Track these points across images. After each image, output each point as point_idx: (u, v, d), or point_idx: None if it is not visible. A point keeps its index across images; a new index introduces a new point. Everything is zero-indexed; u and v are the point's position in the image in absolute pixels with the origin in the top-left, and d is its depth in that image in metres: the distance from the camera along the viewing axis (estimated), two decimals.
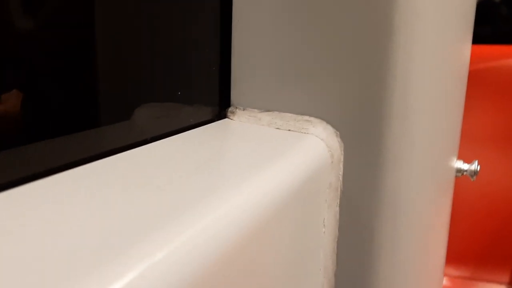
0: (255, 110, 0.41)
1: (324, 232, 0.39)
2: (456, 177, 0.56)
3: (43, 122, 0.29)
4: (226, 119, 0.42)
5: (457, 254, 1.13)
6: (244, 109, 0.42)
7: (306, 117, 0.40)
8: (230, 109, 0.42)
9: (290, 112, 0.41)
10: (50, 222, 0.21)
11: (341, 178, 0.40)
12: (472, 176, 0.55)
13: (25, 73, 0.28)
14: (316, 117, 0.40)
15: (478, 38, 1.20)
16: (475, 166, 0.55)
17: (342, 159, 0.40)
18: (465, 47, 0.57)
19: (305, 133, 0.39)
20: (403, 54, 0.37)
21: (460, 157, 0.58)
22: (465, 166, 0.56)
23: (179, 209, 0.24)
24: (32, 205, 0.23)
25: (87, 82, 0.32)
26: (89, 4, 0.31)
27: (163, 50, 0.37)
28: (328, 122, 0.40)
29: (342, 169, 0.40)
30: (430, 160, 0.45)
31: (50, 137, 0.29)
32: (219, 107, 0.41)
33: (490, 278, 1.12)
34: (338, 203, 0.40)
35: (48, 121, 0.30)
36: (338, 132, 0.39)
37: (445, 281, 1.13)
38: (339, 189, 0.40)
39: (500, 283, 1.11)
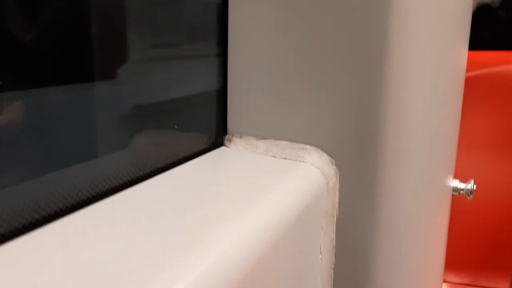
0: (252, 137, 0.42)
1: (321, 259, 0.40)
2: (453, 196, 0.57)
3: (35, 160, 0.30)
4: (223, 147, 0.42)
5: (457, 260, 1.13)
6: (240, 137, 0.42)
7: (302, 145, 0.40)
8: (227, 136, 0.43)
9: (286, 140, 0.41)
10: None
11: (336, 206, 0.40)
12: (468, 195, 0.55)
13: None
14: (312, 144, 0.40)
15: (476, 43, 1.20)
16: (471, 185, 0.55)
17: (337, 186, 0.40)
18: (462, 55, 0.57)
19: (300, 161, 0.40)
20: (397, 80, 0.38)
21: (458, 164, 0.58)
22: (461, 185, 0.56)
23: (178, 252, 0.24)
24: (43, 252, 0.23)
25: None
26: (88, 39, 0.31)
27: (160, 79, 0.38)
28: (323, 149, 0.40)
29: (337, 196, 0.40)
30: (426, 182, 0.45)
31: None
32: (216, 135, 0.42)
33: (490, 284, 1.13)
34: (334, 229, 0.41)
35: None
36: (333, 160, 0.40)
37: None
38: (335, 216, 0.41)
39: None
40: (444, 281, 1.13)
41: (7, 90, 0.26)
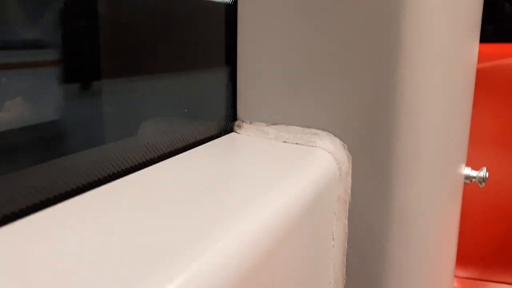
0: (262, 123, 0.41)
1: (333, 245, 0.39)
2: (465, 184, 0.56)
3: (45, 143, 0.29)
4: (233, 133, 0.41)
5: (465, 255, 1.12)
6: (251, 123, 0.41)
7: (313, 130, 0.40)
8: (236, 122, 0.42)
9: (297, 125, 0.40)
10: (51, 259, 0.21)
11: (349, 191, 0.40)
12: (481, 182, 0.55)
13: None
14: (323, 129, 0.40)
15: (482, 36, 1.19)
16: (483, 173, 0.55)
17: (350, 172, 0.40)
18: (473, 48, 0.57)
19: (312, 146, 0.39)
20: (410, 65, 0.37)
21: (467, 158, 0.57)
22: (473, 173, 0.55)
23: (194, 235, 0.24)
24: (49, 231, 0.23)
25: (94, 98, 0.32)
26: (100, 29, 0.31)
27: (171, 65, 0.37)
28: (335, 134, 0.39)
29: (350, 182, 0.40)
30: (439, 169, 0.44)
31: (54, 158, 0.29)
32: (225, 121, 0.41)
33: (499, 279, 1.12)
34: (347, 215, 0.40)
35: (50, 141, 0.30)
36: (345, 145, 0.39)
37: (454, 283, 1.12)
38: (347, 202, 0.40)
39: (509, 283, 1.10)
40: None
41: None
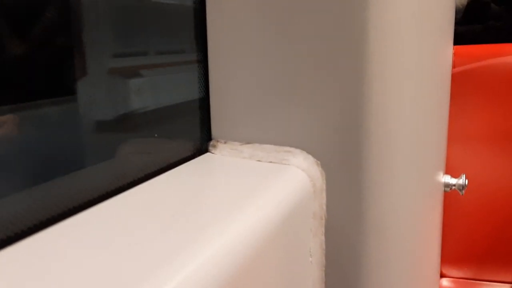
0: (236, 142, 0.42)
1: (311, 262, 0.39)
2: (445, 192, 0.56)
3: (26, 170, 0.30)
4: (208, 153, 0.42)
5: (458, 255, 1.13)
6: (225, 142, 0.42)
7: (287, 148, 0.40)
8: (211, 142, 0.42)
9: (271, 143, 0.41)
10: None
11: (324, 207, 0.40)
12: (460, 190, 0.55)
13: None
14: (297, 147, 0.40)
15: (469, 37, 1.20)
16: (463, 180, 0.55)
17: (324, 188, 0.40)
18: (447, 52, 0.57)
19: (286, 164, 0.40)
20: (379, 79, 0.38)
21: (455, 158, 0.58)
22: (453, 181, 0.56)
23: (162, 257, 0.24)
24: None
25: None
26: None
27: (142, 86, 0.38)
28: (308, 152, 0.40)
29: (325, 198, 0.40)
30: (414, 179, 0.45)
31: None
32: (200, 141, 0.42)
33: (493, 278, 1.12)
34: (323, 231, 0.40)
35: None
36: (319, 162, 0.40)
37: (447, 283, 1.13)
38: (323, 218, 0.40)
39: (504, 283, 1.11)
40: (446, 276, 1.13)
41: None
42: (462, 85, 1.09)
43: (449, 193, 0.60)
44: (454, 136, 0.61)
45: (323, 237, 0.40)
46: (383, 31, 0.37)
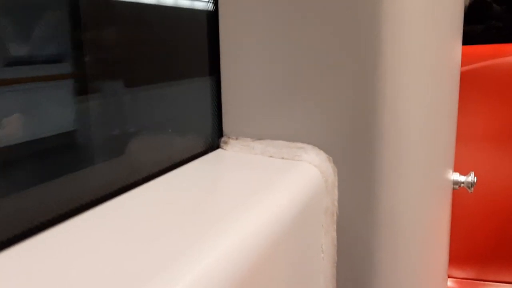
0: (248, 139, 0.41)
1: (323, 258, 0.39)
2: (454, 189, 0.56)
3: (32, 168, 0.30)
4: (219, 149, 0.42)
5: (462, 255, 1.13)
6: (237, 138, 0.42)
7: (299, 144, 0.40)
8: (223, 139, 0.42)
9: (283, 139, 0.41)
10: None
11: (336, 203, 0.40)
12: (469, 187, 0.55)
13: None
14: (309, 143, 0.40)
15: (471, 37, 1.20)
16: (471, 178, 0.55)
17: (336, 184, 0.40)
18: (456, 50, 0.57)
19: (298, 160, 0.39)
20: (391, 75, 0.38)
21: (458, 159, 0.58)
22: (461, 178, 0.56)
23: (181, 252, 0.24)
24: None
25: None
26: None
27: (155, 83, 0.38)
28: (320, 148, 0.40)
29: (337, 194, 0.40)
30: (425, 176, 0.45)
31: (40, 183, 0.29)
32: (211, 137, 0.42)
33: (496, 278, 1.12)
34: (335, 227, 0.40)
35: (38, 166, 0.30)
36: (331, 158, 0.40)
37: (450, 283, 1.13)
38: (335, 214, 0.40)
39: (506, 283, 1.11)
40: (450, 276, 1.13)
41: None
42: (465, 85, 1.09)
43: (453, 194, 0.60)
44: (457, 135, 0.61)
45: (335, 233, 0.40)
46: (396, 27, 0.37)
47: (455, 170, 0.61)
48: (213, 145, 0.42)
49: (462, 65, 1.05)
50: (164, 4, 0.38)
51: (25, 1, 0.26)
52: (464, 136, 1.03)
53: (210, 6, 0.41)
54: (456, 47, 0.56)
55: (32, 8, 0.26)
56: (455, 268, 1.13)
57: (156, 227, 0.27)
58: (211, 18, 0.41)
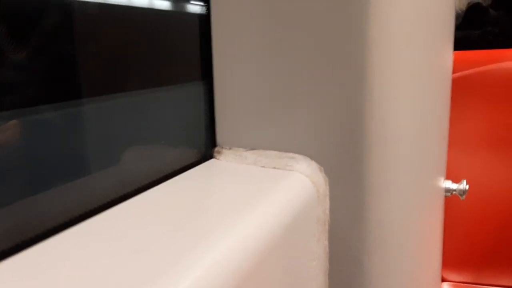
0: (241, 149, 0.42)
1: (314, 266, 0.40)
2: (446, 197, 0.57)
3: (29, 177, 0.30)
4: (213, 159, 0.42)
5: (458, 259, 1.13)
6: (230, 148, 0.43)
7: (290, 154, 0.41)
8: (216, 149, 0.43)
9: (275, 149, 0.41)
10: None
11: (328, 212, 0.41)
12: (461, 195, 0.56)
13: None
14: (300, 153, 0.41)
15: (467, 42, 1.20)
16: (463, 185, 0.56)
17: (328, 194, 0.41)
18: (447, 57, 0.58)
19: (290, 170, 0.40)
20: (380, 87, 0.38)
21: (453, 164, 0.58)
22: (453, 186, 0.56)
23: (167, 264, 0.25)
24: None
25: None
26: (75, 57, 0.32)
27: (148, 93, 0.38)
28: (311, 158, 0.40)
29: (328, 203, 0.41)
30: (416, 185, 0.45)
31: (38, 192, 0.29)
32: (205, 147, 0.42)
33: (493, 282, 1.12)
34: (327, 236, 0.41)
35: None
36: (322, 168, 0.40)
37: (447, 287, 1.13)
38: (327, 223, 0.41)
39: (503, 286, 1.11)
40: (446, 280, 1.13)
41: None
42: (460, 91, 1.10)
43: (449, 198, 0.61)
44: (452, 141, 0.62)
45: (326, 242, 0.41)
46: (384, 38, 0.38)
47: (449, 176, 0.61)
48: (207, 155, 0.42)
49: (457, 71, 1.06)
50: (153, 7, 0.39)
51: None
52: (458, 142, 1.04)
53: (203, 12, 0.42)
54: (447, 53, 0.57)
55: None
56: (451, 272, 1.14)
57: (147, 237, 0.28)
58: (203, 27, 0.42)
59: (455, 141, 0.59)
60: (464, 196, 0.56)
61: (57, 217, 0.29)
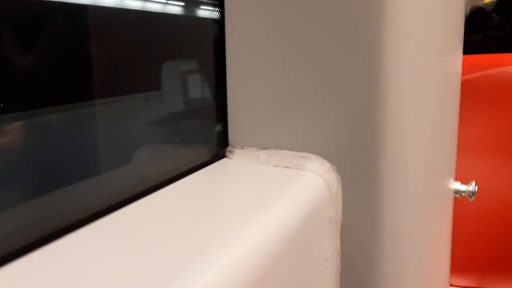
0: (253, 148, 0.42)
1: (326, 266, 0.40)
2: (455, 198, 0.57)
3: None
4: (225, 159, 0.42)
5: (463, 263, 1.13)
6: (242, 148, 0.42)
7: (303, 154, 0.41)
8: (228, 148, 0.43)
9: (287, 149, 0.41)
10: None
11: (340, 212, 0.41)
12: (470, 197, 0.56)
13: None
14: (313, 152, 0.41)
15: (471, 47, 1.21)
16: (472, 186, 0.56)
17: (340, 193, 0.41)
18: (457, 59, 0.58)
19: (302, 169, 0.40)
20: (393, 88, 0.38)
21: (459, 168, 0.58)
22: (463, 187, 0.56)
23: (182, 263, 0.25)
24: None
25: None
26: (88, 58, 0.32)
27: (160, 93, 0.38)
28: (324, 157, 0.40)
29: (341, 203, 0.41)
30: (427, 186, 0.45)
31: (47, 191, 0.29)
32: (217, 147, 0.42)
33: (498, 287, 1.12)
34: (339, 236, 0.41)
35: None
36: (334, 167, 0.40)
37: None
38: (339, 223, 0.41)
39: None
40: (451, 285, 1.13)
41: None
42: (463, 95, 1.10)
43: (454, 201, 0.61)
44: (458, 144, 0.62)
45: (338, 242, 0.41)
46: (398, 39, 0.38)
47: (456, 179, 0.61)
48: (219, 154, 0.42)
49: (461, 75, 1.06)
50: (172, 13, 0.39)
51: None
52: (464, 145, 1.04)
53: (216, 15, 0.42)
54: (457, 57, 0.57)
55: None
56: (456, 276, 1.13)
57: (158, 238, 0.28)
58: (217, 28, 0.42)
59: (459, 144, 0.60)
60: (473, 198, 0.56)
61: (67, 217, 0.29)
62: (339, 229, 0.41)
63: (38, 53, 0.27)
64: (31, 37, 0.27)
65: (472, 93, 1.11)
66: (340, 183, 0.40)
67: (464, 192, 0.56)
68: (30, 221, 0.27)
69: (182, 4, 0.40)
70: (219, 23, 0.42)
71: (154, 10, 0.37)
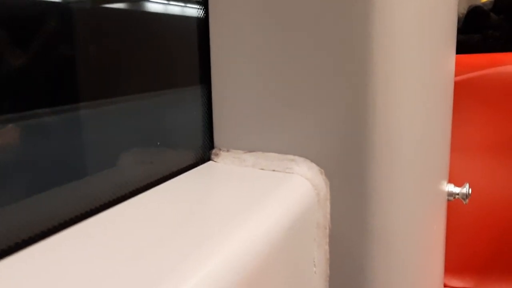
0: (239, 151, 0.41)
1: (315, 272, 0.39)
2: (448, 201, 0.56)
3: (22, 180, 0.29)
4: (211, 161, 0.41)
5: (460, 264, 1.12)
6: (228, 150, 0.41)
7: (290, 156, 0.40)
8: (214, 151, 0.42)
9: (274, 152, 0.40)
10: None
11: (329, 216, 0.40)
12: (464, 199, 0.55)
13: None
14: (300, 155, 0.40)
15: (468, 46, 1.20)
16: (466, 189, 0.55)
17: (328, 197, 0.40)
18: (449, 60, 0.57)
19: (289, 173, 0.39)
20: (382, 89, 0.37)
21: (454, 169, 0.58)
22: (456, 190, 0.55)
23: (164, 268, 0.24)
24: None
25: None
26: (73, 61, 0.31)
27: (145, 96, 0.37)
28: (312, 160, 0.39)
29: (329, 207, 0.40)
30: (419, 188, 0.44)
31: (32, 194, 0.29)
32: (202, 149, 0.41)
33: (495, 287, 1.11)
34: (327, 241, 0.40)
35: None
36: (322, 170, 0.39)
37: None
38: (327, 228, 0.40)
39: None
40: (448, 286, 1.12)
41: None
42: (461, 94, 1.09)
43: (449, 203, 0.60)
44: (452, 145, 0.61)
45: (327, 247, 0.40)
46: (387, 41, 0.37)
47: (450, 181, 0.60)
48: (204, 157, 0.41)
49: (458, 75, 1.05)
50: (153, 11, 0.38)
51: None
52: (460, 146, 1.03)
53: (200, 13, 0.41)
54: (450, 56, 0.56)
55: None
56: (453, 277, 1.12)
57: (143, 242, 0.27)
58: (202, 27, 0.41)
59: (455, 145, 0.59)
60: (467, 200, 0.55)
61: (51, 219, 0.28)
62: (328, 234, 0.40)
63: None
64: None
65: (469, 93, 1.10)
66: (329, 186, 0.39)
67: (457, 194, 0.55)
68: (8, 225, 0.26)
69: (165, 2, 0.39)
70: (204, 22, 0.41)
71: (135, 9, 0.36)
